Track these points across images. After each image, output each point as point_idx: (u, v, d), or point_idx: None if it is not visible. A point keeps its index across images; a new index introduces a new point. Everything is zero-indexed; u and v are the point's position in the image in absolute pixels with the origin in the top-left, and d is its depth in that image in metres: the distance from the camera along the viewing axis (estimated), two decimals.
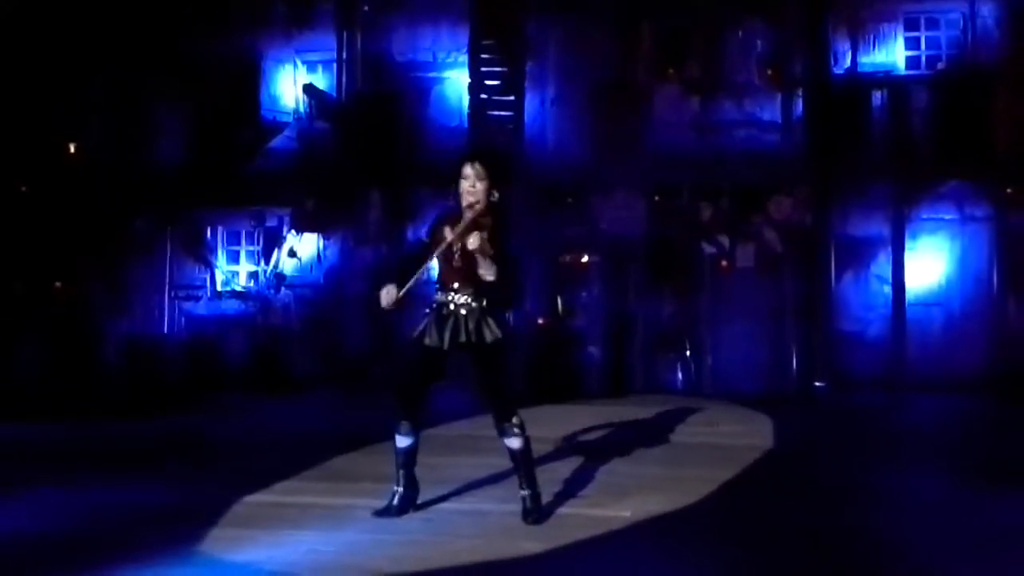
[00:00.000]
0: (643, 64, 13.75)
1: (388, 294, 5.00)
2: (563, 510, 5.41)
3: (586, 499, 5.69)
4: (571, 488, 5.92)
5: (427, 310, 5.10)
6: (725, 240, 13.19)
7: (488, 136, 13.43)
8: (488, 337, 4.96)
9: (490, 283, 4.91)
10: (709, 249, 13.15)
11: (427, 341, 5.03)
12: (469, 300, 4.96)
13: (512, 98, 13.54)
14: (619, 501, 5.66)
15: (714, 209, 13.24)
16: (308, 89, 14.22)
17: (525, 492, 5.10)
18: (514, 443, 5.08)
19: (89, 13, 13.34)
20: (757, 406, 11.10)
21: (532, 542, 4.74)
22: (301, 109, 14.35)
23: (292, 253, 14.27)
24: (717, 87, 13.73)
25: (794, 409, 11.36)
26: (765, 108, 13.71)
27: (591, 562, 4.52)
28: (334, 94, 14.31)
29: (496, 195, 5.02)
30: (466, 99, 13.67)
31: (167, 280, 14.34)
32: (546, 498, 5.64)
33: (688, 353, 13.06)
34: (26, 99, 13.01)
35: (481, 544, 4.69)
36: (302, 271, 14.31)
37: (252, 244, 14.60)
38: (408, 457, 5.22)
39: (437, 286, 5.10)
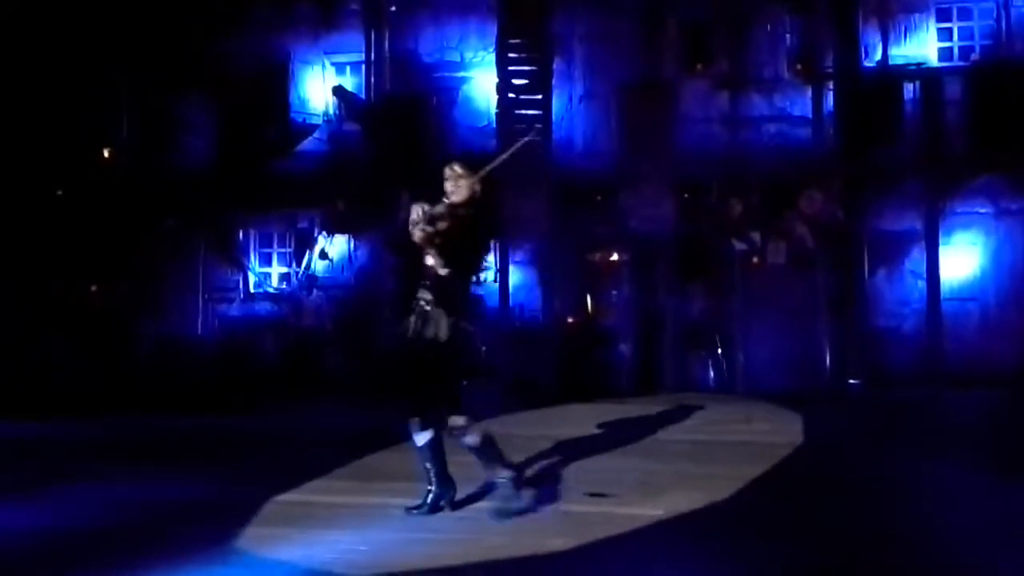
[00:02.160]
0: (670, 60, 13.69)
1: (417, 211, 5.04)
2: (593, 508, 5.41)
3: (617, 497, 5.68)
4: (601, 486, 5.91)
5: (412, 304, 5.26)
6: (756, 236, 13.08)
7: (516, 135, 13.44)
8: (440, 335, 5.02)
9: (443, 279, 5.00)
10: (740, 246, 13.05)
11: (407, 335, 5.14)
12: (428, 296, 5.07)
13: (540, 97, 13.54)
14: (650, 499, 5.65)
15: (744, 205, 13.14)
16: (337, 91, 14.32)
17: (500, 479, 5.21)
18: (469, 441, 5.17)
19: (120, 18, 13.52)
20: (790, 403, 11.02)
21: (562, 540, 4.74)
22: (330, 111, 14.45)
23: (323, 254, 14.39)
24: (746, 82, 13.65)
25: (828, 406, 11.25)
26: (795, 102, 13.61)
27: (621, 560, 4.52)
28: (363, 95, 14.40)
29: (478, 188, 5.16)
30: (494, 98, 13.69)
31: (200, 282, 14.52)
32: (576, 496, 5.66)
33: (719, 351, 12.98)
34: (59, 105, 13.22)
35: (512, 542, 4.70)
36: (333, 272, 14.42)
37: (284, 246, 14.74)
38: (428, 453, 5.21)
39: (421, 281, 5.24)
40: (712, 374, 12.99)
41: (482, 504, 5.48)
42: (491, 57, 13.77)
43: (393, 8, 14.24)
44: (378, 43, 14.25)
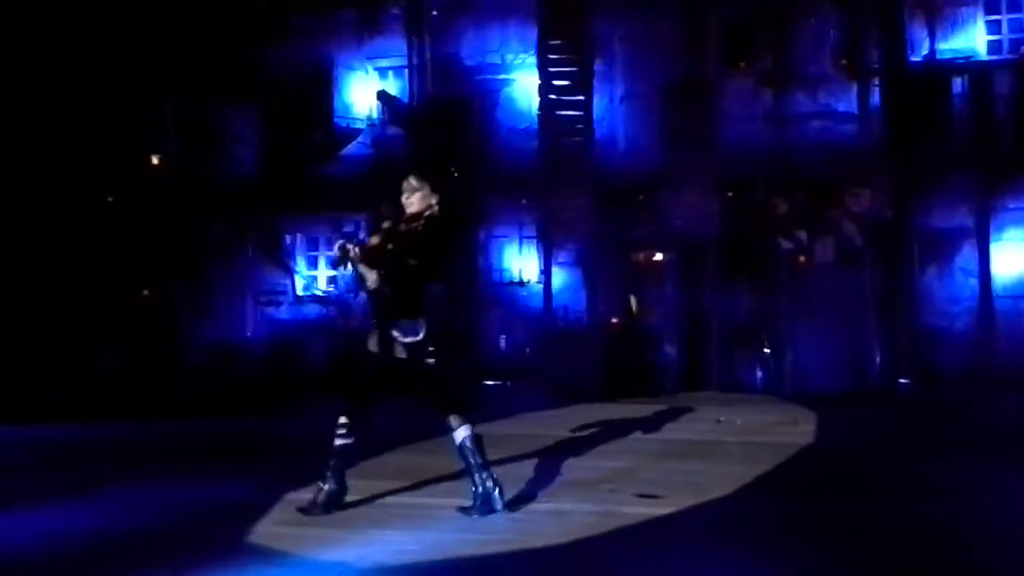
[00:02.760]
0: (712, 58, 13.61)
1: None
2: (643, 509, 5.42)
3: (665, 499, 5.69)
4: (650, 487, 5.92)
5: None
6: (802, 235, 12.97)
7: (557, 137, 13.48)
8: (396, 352, 5.15)
9: (401, 290, 5.11)
10: (786, 244, 12.94)
11: (370, 348, 5.29)
12: (381, 313, 5.22)
13: (581, 97, 13.55)
14: (698, 500, 5.65)
15: (790, 203, 13.02)
16: (381, 95, 14.46)
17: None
18: (456, 437, 5.27)
19: (169, 29, 13.78)
20: (839, 404, 10.91)
21: (614, 540, 4.77)
22: (374, 115, 14.59)
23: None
24: (790, 79, 13.52)
25: (877, 406, 11.12)
26: (840, 99, 13.45)
27: (671, 560, 4.52)
28: (405, 99, 14.52)
29: (434, 201, 5.24)
30: (535, 100, 13.72)
31: (249, 286, 14.75)
32: (625, 497, 5.66)
33: (766, 351, 12.88)
34: (110, 114, 13.51)
35: (563, 542, 4.73)
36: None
37: (330, 249, 14.89)
38: (342, 455, 5.37)
39: None
40: (759, 374, 12.89)
41: (531, 505, 5.52)
42: (532, 59, 13.81)
43: (435, 12, 14.34)
44: (420, 47, 14.36)
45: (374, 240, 5.25)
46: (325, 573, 4.30)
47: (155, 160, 14.79)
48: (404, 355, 5.19)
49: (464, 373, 5.22)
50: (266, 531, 5.01)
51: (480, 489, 5.19)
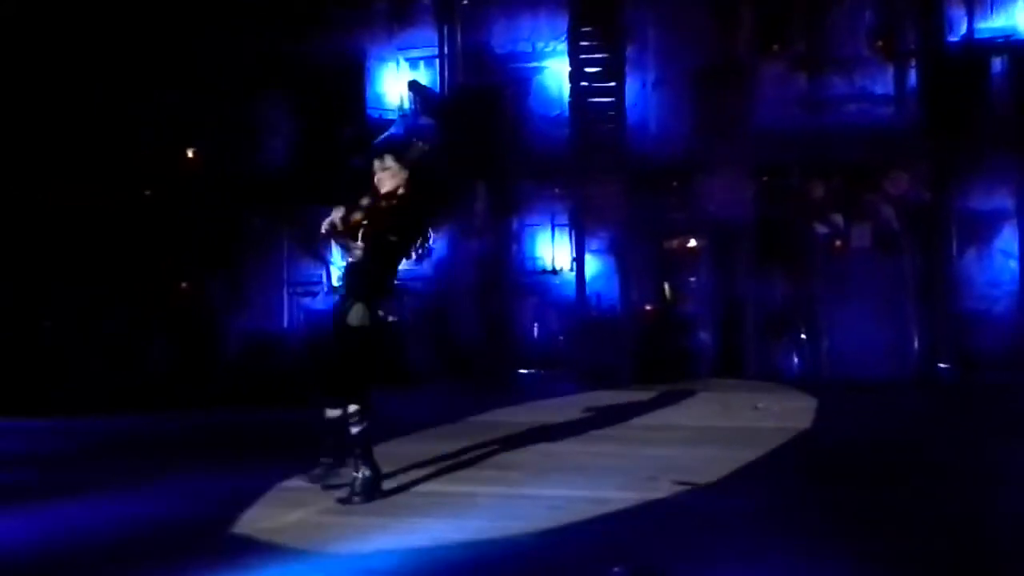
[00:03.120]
0: (745, 41, 13.47)
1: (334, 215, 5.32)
2: (683, 497, 5.41)
3: (704, 486, 5.67)
4: (690, 475, 5.91)
5: None
6: (839, 219, 12.83)
7: (589, 124, 13.43)
8: (352, 321, 5.25)
9: (359, 268, 5.26)
10: (822, 229, 12.81)
11: (334, 320, 5.41)
12: (346, 284, 5.41)
13: (613, 84, 13.48)
14: (738, 487, 5.63)
15: (826, 187, 12.88)
16: (412, 85, 14.48)
17: (356, 474, 5.34)
18: (352, 429, 5.34)
19: (202, 21, 13.89)
20: (877, 390, 10.82)
21: (656, 528, 4.76)
22: (405, 106, 14.62)
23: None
24: (824, 61, 13.34)
25: (916, 392, 11.00)
26: (877, 81, 13.26)
27: (721, 547, 4.50)
28: (437, 89, 14.53)
29: (404, 181, 5.36)
30: (567, 88, 13.67)
31: (285, 277, 14.87)
32: (665, 484, 5.64)
33: (803, 337, 12.77)
34: (145, 108, 13.65)
35: (603, 531, 4.74)
36: (412, 264, 14.58)
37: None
38: (335, 428, 5.48)
39: None
40: (796, 361, 12.79)
41: (571, 493, 5.52)
42: (563, 47, 13.74)
43: (465, 1, 14.32)
44: (451, 37, 14.36)
45: (356, 217, 5.32)
46: (369, 561, 4.34)
47: (190, 154, 14.93)
48: (356, 324, 5.28)
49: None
50: (311, 520, 5.06)
51: (361, 475, 5.30)
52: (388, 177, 5.37)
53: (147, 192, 14.27)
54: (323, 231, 5.38)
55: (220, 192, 14.25)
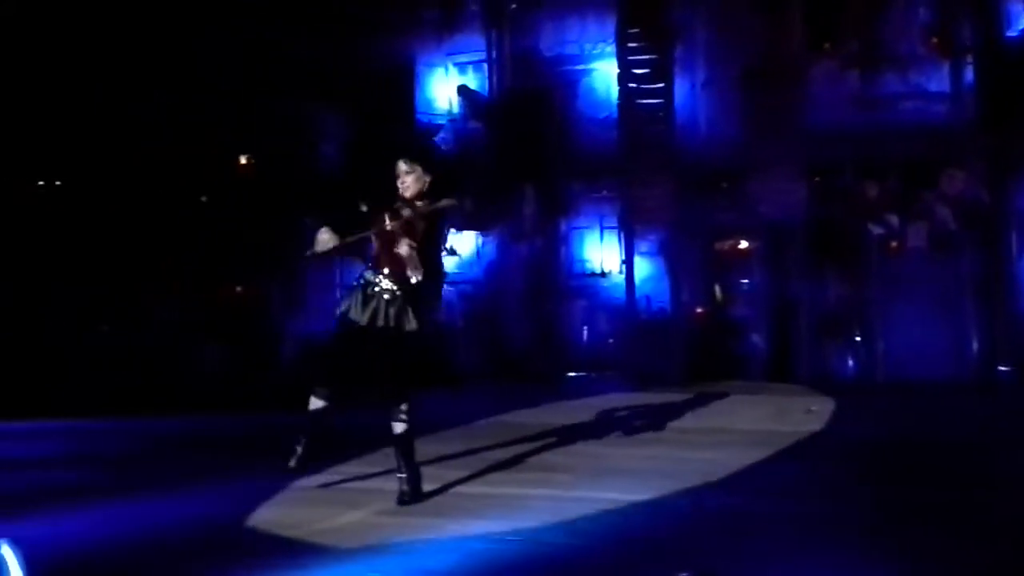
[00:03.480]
0: (796, 39, 13.31)
1: (324, 238, 5.31)
2: (736, 500, 5.37)
3: (759, 491, 5.64)
4: (744, 478, 5.87)
5: (354, 283, 5.42)
6: (894, 219, 12.62)
7: (638, 125, 13.39)
8: (406, 326, 5.27)
9: (409, 266, 5.18)
10: (877, 229, 12.61)
11: (351, 315, 5.32)
12: (394, 288, 5.26)
13: (661, 85, 13.43)
14: (794, 488, 5.58)
15: (881, 187, 12.68)
16: (461, 90, 14.58)
17: (401, 475, 5.37)
18: (397, 428, 5.38)
19: (254, 29, 14.13)
20: (935, 393, 10.62)
21: (710, 534, 4.75)
22: (454, 110, 14.72)
23: (452, 251, 14.68)
24: (878, 59, 13.14)
25: (975, 395, 10.78)
26: (932, 78, 13.02)
27: (760, 551, 4.47)
28: (485, 94, 14.61)
29: (446, 202, 5.37)
30: (615, 89, 13.65)
31: (338, 280, 15.04)
32: (719, 488, 5.61)
33: (858, 339, 12.57)
34: (199, 115, 13.92)
35: (656, 535, 4.73)
36: (462, 268, 14.70)
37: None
38: (317, 419, 5.49)
39: (370, 263, 5.40)
40: (850, 364, 12.60)
41: (623, 497, 5.51)
42: (611, 48, 13.73)
43: (514, 6, 14.38)
44: (499, 41, 14.43)
45: (393, 224, 5.27)
46: (427, 561, 4.38)
47: (243, 160, 15.19)
48: (408, 329, 5.31)
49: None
50: (367, 520, 5.13)
51: (408, 475, 5.36)
52: (413, 181, 5.38)
53: (204, 198, 14.55)
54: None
55: (274, 197, 14.48)
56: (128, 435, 8.45)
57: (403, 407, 5.38)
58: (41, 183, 14.08)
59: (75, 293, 12.82)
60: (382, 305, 5.26)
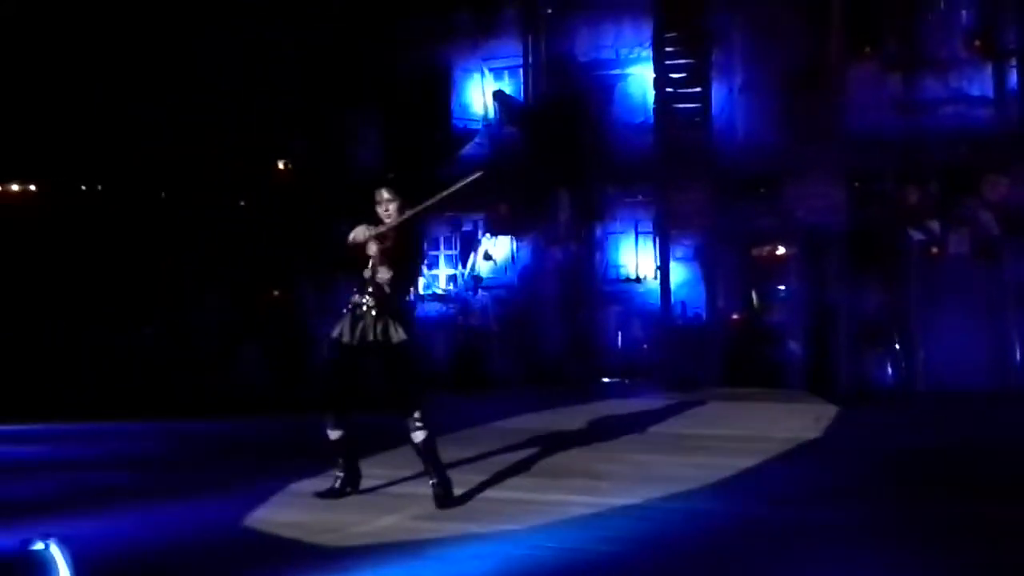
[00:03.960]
0: (836, 43, 13.16)
1: (360, 230, 5.51)
2: (774, 511, 5.31)
3: (790, 497, 5.57)
4: (780, 485, 5.80)
5: (344, 310, 5.57)
6: (935, 225, 12.42)
7: (674, 130, 13.32)
8: (393, 338, 5.46)
9: (388, 283, 5.44)
10: (917, 236, 12.41)
11: (343, 339, 5.52)
12: (375, 304, 5.46)
13: (698, 89, 13.34)
14: (830, 498, 5.51)
15: (922, 193, 12.49)
16: (497, 95, 14.61)
17: (432, 481, 5.46)
18: (416, 436, 5.48)
19: (293, 36, 14.28)
20: (975, 402, 10.44)
21: (753, 544, 4.69)
22: (490, 116, 14.75)
23: (487, 256, 14.72)
24: (919, 63, 12.96)
25: (1017, 405, 10.56)
26: (974, 82, 12.83)
27: (800, 560, 4.41)
28: (521, 99, 14.62)
29: (408, 212, 5.53)
30: (651, 94, 13.59)
31: None
32: (755, 497, 5.55)
33: (897, 347, 12.38)
34: (239, 122, 14.09)
35: (698, 544, 4.69)
36: (497, 273, 14.73)
37: (450, 248, 15.18)
38: (342, 447, 5.67)
39: (355, 289, 5.58)
40: (890, 372, 12.41)
41: (664, 504, 5.48)
42: (648, 53, 13.67)
43: (549, 11, 14.38)
44: (535, 46, 14.45)
45: (384, 241, 5.49)
46: (464, 567, 4.38)
47: (281, 164, 15.35)
48: (396, 340, 5.50)
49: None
50: (404, 525, 5.14)
51: (438, 480, 5.47)
52: (396, 209, 5.53)
53: (242, 202, 14.72)
54: (351, 240, 5.51)
55: (310, 202, 14.60)
56: (171, 437, 8.55)
57: (416, 415, 5.48)
58: (84, 187, 14.33)
59: (118, 296, 13.01)
60: (369, 322, 5.46)
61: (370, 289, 5.49)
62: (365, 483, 5.90)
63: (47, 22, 13.19)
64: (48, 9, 13.15)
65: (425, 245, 6.12)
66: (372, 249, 5.45)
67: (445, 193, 5.67)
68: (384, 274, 5.46)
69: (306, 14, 14.42)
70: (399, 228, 5.54)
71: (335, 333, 5.57)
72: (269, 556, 4.57)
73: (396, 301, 5.55)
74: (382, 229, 5.50)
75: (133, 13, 13.28)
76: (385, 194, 5.60)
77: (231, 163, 14.13)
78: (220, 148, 13.90)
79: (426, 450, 5.51)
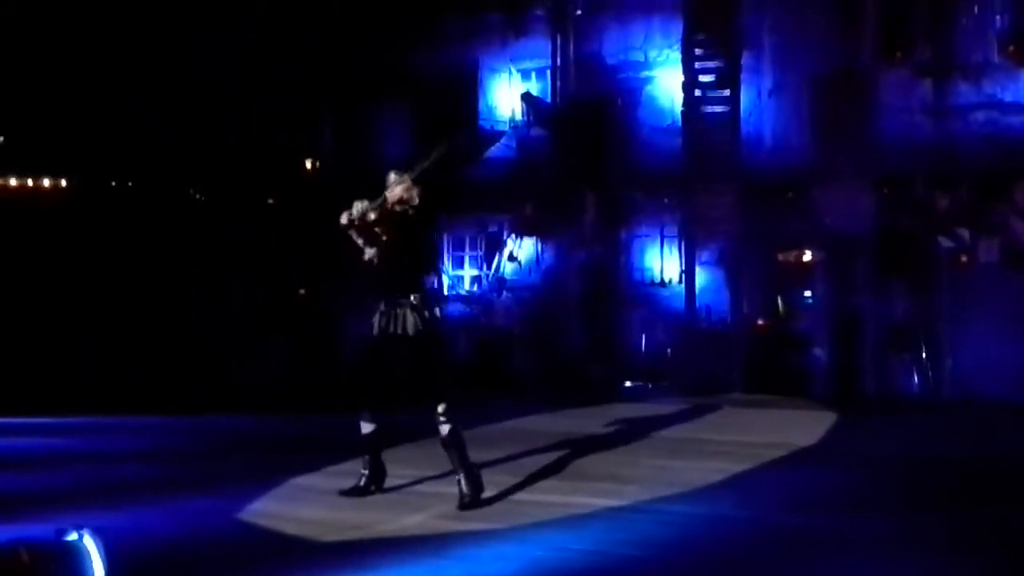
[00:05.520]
0: (867, 47, 13.05)
1: (359, 205, 5.57)
2: (797, 519, 5.28)
3: (813, 505, 5.53)
4: (803, 492, 5.77)
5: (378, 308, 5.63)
6: (965, 233, 12.28)
7: (702, 133, 13.26)
8: (411, 329, 5.48)
9: (399, 272, 5.50)
10: (947, 243, 12.29)
11: (373, 332, 5.65)
12: (399, 297, 5.54)
13: (727, 92, 13.26)
14: (850, 507, 5.47)
15: (952, 199, 12.36)
16: (525, 97, 14.61)
17: (458, 477, 5.47)
18: (442, 430, 5.51)
19: (321, 34, 14.36)
20: (1004, 413, 10.32)
21: (775, 552, 4.67)
22: (518, 117, 14.75)
23: (512, 257, 14.72)
24: (951, 68, 12.82)
25: None
26: (1007, 88, 12.64)
27: (823, 569, 4.38)
28: (548, 100, 14.61)
29: (413, 192, 5.59)
30: (679, 97, 13.54)
31: None
32: (775, 505, 5.53)
33: (924, 355, 12.25)
34: (267, 120, 14.19)
35: (719, 551, 4.67)
36: (522, 274, 14.72)
37: (475, 249, 15.20)
38: (371, 442, 5.72)
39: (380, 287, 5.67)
40: (916, 380, 12.28)
41: (685, 509, 5.45)
42: (676, 55, 13.61)
43: (579, 12, 14.35)
44: (563, 48, 14.40)
45: (371, 216, 5.54)
46: (488, 567, 4.39)
47: (308, 164, 15.44)
48: (412, 332, 5.51)
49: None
50: (427, 524, 5.16)
51: (463, 483, 5.44)
52: (402, 190, 5.60)
53: (270, 200, 14.83)
54: (343, 222, 5.57)
55: (337, 199, 14.66)
56: (195, 432, 8.64)
57: (440, 408, 5.50)
58: (113, 184, 14.50)
59: (143, 293, 13.15)
60: (392, 314, 5.52)
61: (388, 280, 5.54)
62: (390, 481, 5.93)
63: (62, 20, 13.36)
64: (62, 7, 13.31)
65: (432, 233, 6.50)
66: (343, 221, 5.48)
67: (426, 164, 5.68)
68: (394, 264, 5.53)
69: (335, 15, 14.51)
70: (399, 212, 5.55)
71: (368, 330, 5.63)
72: (291, 552, 4.61)
73: (413, 290, 5.54)
74: (378, 201, 5.53)
75: (158, 9, 13.43)
76: (393, 176, 5.68)
77: (258, 161, 14.24)
78: (247, 146, 14.01)
79: (450, 444, 5.50)
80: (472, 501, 5.44)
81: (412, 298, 5.52)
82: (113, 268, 13.10)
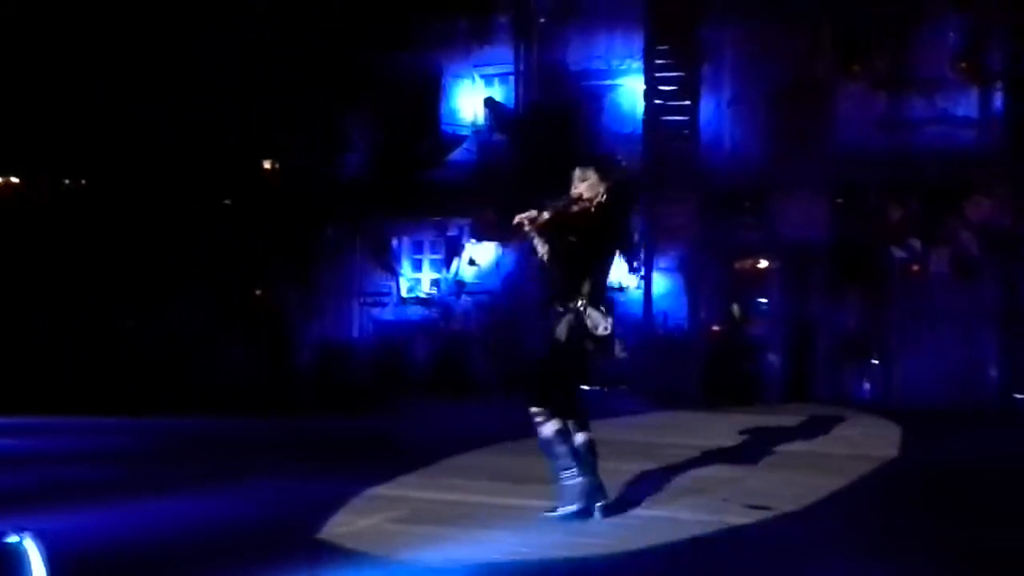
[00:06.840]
0: (825, 61, 13.30)
1: (533, 212, 5.18)
2: (754, 520, 5.36)
3: (777, 511, 5.62)
4: (762, 498, 5.85)
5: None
6: (916, 244, 12.56)
7: (662, 142, 13.41)
8: (559, 335, 5.22)
9: (559, 280, 5.24)
10: (899, 253, 12.55)
11: (559, 336, 5.29)
12: (567, 301, 5.24)
13: (688, 102, 13.44)
14: (808, 510, 5.57)
15: (904, 211, 12.63)
16: (488, 102, 14.65)
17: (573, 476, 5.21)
18: (541, 433, 5.25)
19: (284, 36, 14.28)
20: (951, 419, 10.54)
21: (729, 550, 4.74)
22: (479, 122, 14.79)
23: (472, 261, 14.74)
24: (905, 82, 13.10)
25: (991, 422, 10.68)
26: (959, 103, 12.96)
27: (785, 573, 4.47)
28: (512, 106, 14.67)
29: (602, 193, 5.25)
30: (640, 105, 13.67)
31: (356, 287, 15.14)
32: (737, 507, 5.61)
33: (875, 362, 12.50)
34: (226, 120, 14.07)
35: (675, 553, 4.73)
36: (481, 278, 14.75)
37: (434, 252, 15.20)
38: (566, 442, 5.31)
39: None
40: (867, 386, 12.52)
41: (645, 511, 5.50)
42: (638, 64, 13.76)
43: (543, 19, 14.44)
44: (527, 54, 14.49)
45: (543, 217, 5.17)
46: (437, 572, 4.40)
47: (267, 165, 15.34)
48: (563, 337, 5.21)
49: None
50: (380, 527, 5.16)
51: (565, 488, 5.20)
52: (587, 188, 5.26)
53: (227, 201, 14.70)
54: (515, 222, 5.19)
55: (297, 203, 14.61)
56: (149, 433, 8.56)
57: (531, 411, 5.25)
58: (70, 183, 14.28)
59: (99, 292, 12.97)
60: (559, 318, 5.25)
61: (556, 283, 5.29)
62: (346, 488, 5.91)
63: (44, 20, 13.16)
64: (45, 7, 13.12)
65: (615, 239, 5.49)
66: (526, 224, 5.10)
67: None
68: (555, 271, 5.26)
69: (297, 17, 14.43)
70: (577, 212, 5.15)
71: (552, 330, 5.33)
72: (243, 554, 4.58)
73: (568, 298, 5.18)
74: (565, 200, 5.15)
75: (127, 11, 13.28)
76: (579, 172, 5.32)
77: (217, 162, 14.11)
78: (206, 147, 13.88)
79: (544, 447, 5.27)
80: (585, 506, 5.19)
81: (578, 303, 5.18)
82: (70, 269, 12.91)
